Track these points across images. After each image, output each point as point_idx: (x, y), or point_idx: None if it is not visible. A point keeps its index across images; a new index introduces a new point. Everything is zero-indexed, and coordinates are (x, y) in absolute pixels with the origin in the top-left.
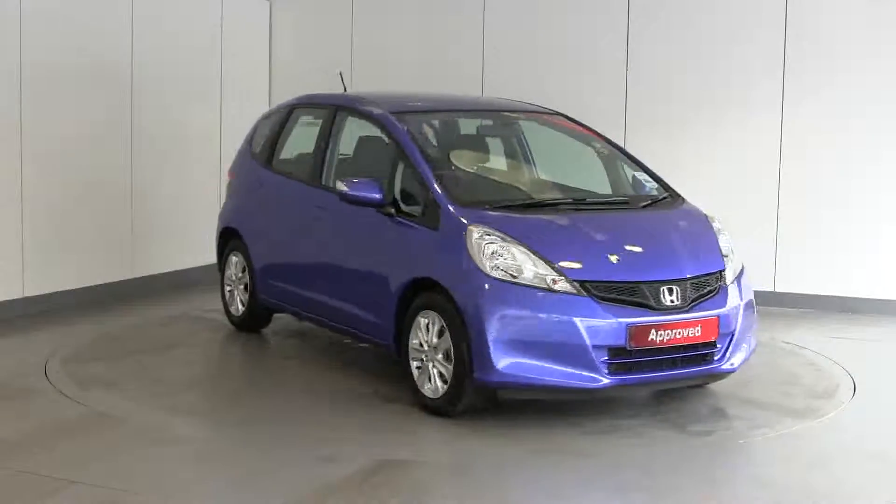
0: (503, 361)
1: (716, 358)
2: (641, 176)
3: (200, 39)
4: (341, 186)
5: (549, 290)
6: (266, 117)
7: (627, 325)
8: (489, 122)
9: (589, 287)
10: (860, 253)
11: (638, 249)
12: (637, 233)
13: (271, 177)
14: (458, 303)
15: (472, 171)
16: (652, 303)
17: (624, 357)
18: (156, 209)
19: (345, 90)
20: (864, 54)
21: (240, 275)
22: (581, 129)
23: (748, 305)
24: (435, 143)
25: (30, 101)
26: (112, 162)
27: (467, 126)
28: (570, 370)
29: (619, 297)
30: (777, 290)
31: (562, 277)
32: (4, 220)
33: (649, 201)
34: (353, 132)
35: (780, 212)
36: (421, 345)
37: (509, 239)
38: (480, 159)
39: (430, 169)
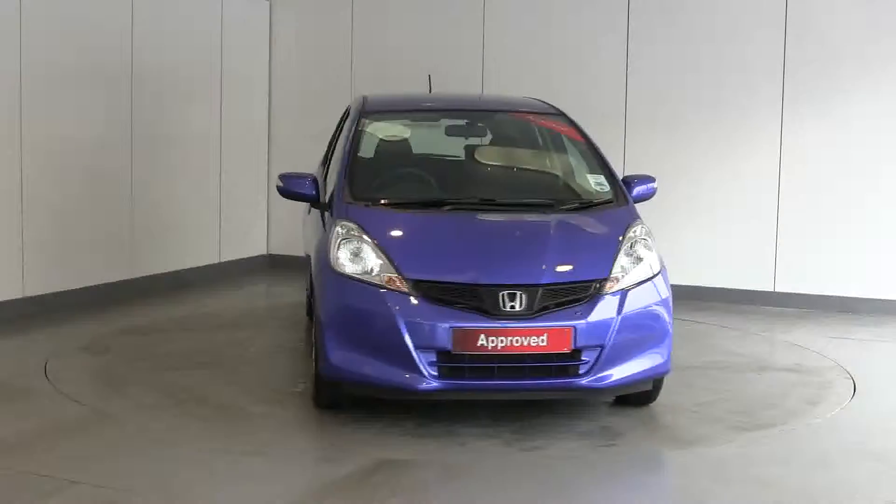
0: (336, 355)
1: (580, 372)
2: (596, 178)
3: (200, 39)
4: (277, 182)
5: (384, 287)
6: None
7: (452, 328)
8: (463, 123)
9: (423, 287)
10: (860, 253)
11: (497, 253)
12: (513, 237)
13: None
14: (315, 295)
15: (396, 168)
16: (488, 307)
17: (455, 361)
18: (156, 209)
19: (430, 91)
20: (864, 54)
21: None
22: (566, 130)
23: (641, 319)
24: (389, 141)
25: (30, 101)
26: (112, 162)
27: (440, 125)
28: (395, 369)
29: (452, 299)
30: (777, 290)
31: (398, 276)
32: (4, 220)
33: (578, 205)
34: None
35: (780, 212)
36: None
37: (365, 236)
38: (419, 158)
39: (346, 166)
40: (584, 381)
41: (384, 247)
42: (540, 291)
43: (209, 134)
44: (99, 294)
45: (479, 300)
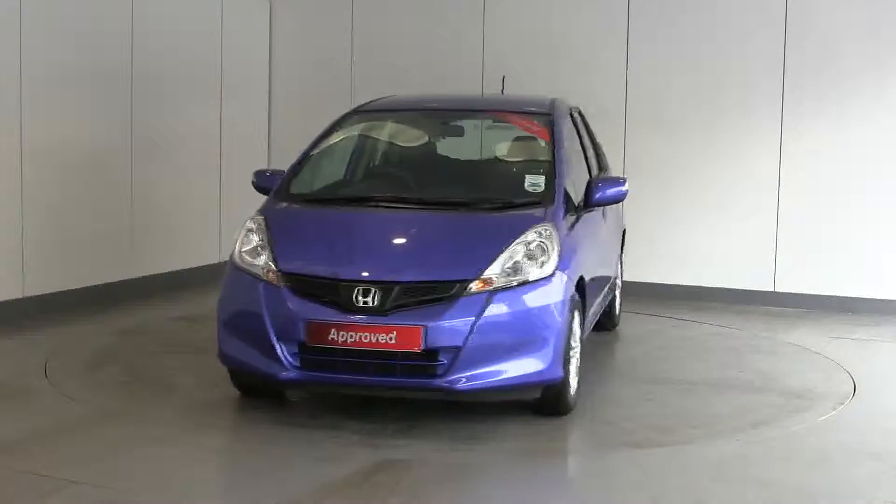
0: (226, 344)
1: (437, 373)
2: (533, 179)
3: (200, 39)
4: (252, 178)
5: (260, 279)
6: None
7: (306, 321)
8: (441, 123)
9: (293, 280)
10: (860, 253)
11: (370, 250)
12: (398, 235)
13: None
14: None
15: (346, 167)
16: (343, 302)
17: (311, 353)
18: (156, 209)
19: (502, 92)
20: (864, 54)
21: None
22: (537, 130)
23: (514, 322)
24: (359, 140)
25: (30, 101)
26: (112, 162)
27: (422, 125)
28: (264, 358)
29: (314, 292)
30: (777, 290)
31: (274, 268)
32: (4, 220)
33: (499, 205)
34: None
35: (780, 212)
36: None
37: (263, 229)
38: (375, 157)
39: (294, 163)
40: (440, 382)
41: (275, 241)
42: (396, 289)
43: (209, 134)
44: (99, 294)
45: (336, 295)
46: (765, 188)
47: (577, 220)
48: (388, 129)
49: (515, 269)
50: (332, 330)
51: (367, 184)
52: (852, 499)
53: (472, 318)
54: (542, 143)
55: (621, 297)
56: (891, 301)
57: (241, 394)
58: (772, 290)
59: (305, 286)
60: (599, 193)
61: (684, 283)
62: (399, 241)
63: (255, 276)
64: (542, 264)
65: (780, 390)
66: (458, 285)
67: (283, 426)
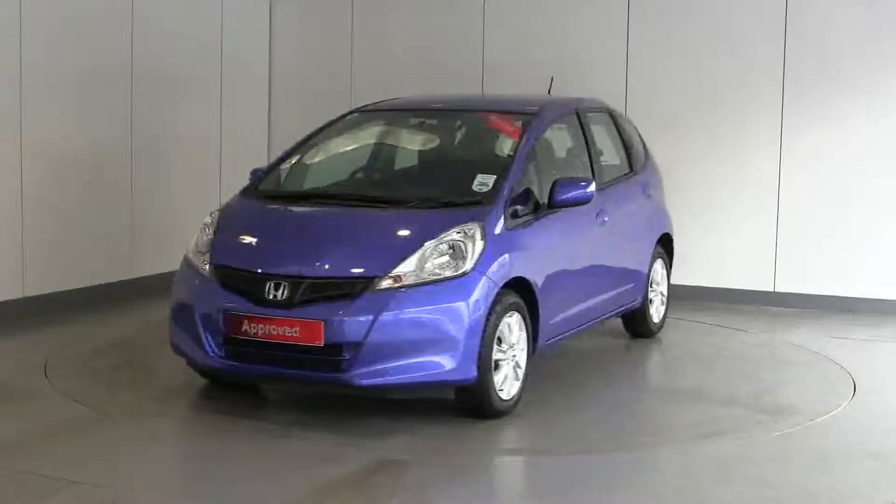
0: (174, 335)
1: (342, 367)
2: (483, 179)
3: (200, 39)
4: (249, 177)
5: (198, 272)
6: None
7: (225, 312)
8: (422, 122)
9: (221, 273)
10: (860, 253)
11: (293, 245)
12: (326, 231)
13: None
14: None
15: (322, 164)
16: (257, 295)
17: (234, 344)
18: (156, 209)
19: (549, 93)
20: (863, 54)
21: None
22: (510, 130)
23: (421, 320)
24: (347, 139)
25: (30, 101)
26: (112, 162)
27: (404, 126)
28: (195, 347)
29: (235, 284)
30: (777, 290)
31: (210, 263)
32: (4, 220)
33: (439, 204)
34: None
35: (780, 212)
36: None
37: (213, 225)
38: (342, 157)
39: (273, 162)
40: (343, 377)
41: (216, 236)
42: (305, 284)
43: (209, 134)
44: (99, 294)
45: (251, 287)
46: (765, 188)
47: (535, 221)
48: (369, 131)
49: (429, 267)
50: (246, 322)
51: (325, 182)
52: (852, 499)
53: (373, 315)
54: (510, 143)
55: (666, 305)
56: (891, 301)
57: (210, 383)
58: (772, 290)
59: (229, 279)
60: (560, 195)
61: (684, 284)
62: (320, 237)
63: (196, 270)
64: (459, 263)
65: (780, 390)
66: (363, 282)
67: (284, 427)
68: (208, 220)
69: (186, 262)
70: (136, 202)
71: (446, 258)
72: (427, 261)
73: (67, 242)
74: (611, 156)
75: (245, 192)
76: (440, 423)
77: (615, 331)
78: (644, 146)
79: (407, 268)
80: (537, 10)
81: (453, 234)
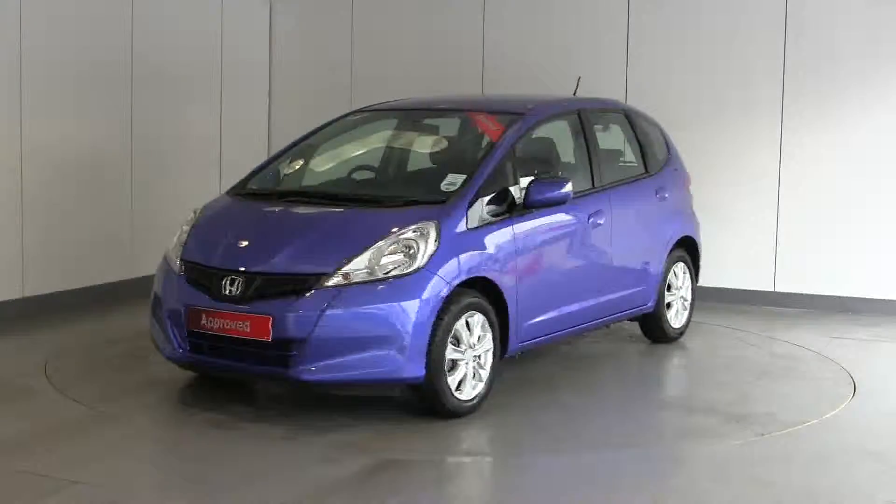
0: (152, 329)
1: (289, 363)
2: (453, 178)
3: (200, 39)
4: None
5: (171, 268)
6: None
7: (185, 307)
8: (421, 122)
9: (187, 269)
10: (860, 253)
11: (252, 242)
12: (286, 229)
13: None
14: None
15: (307, 164)
16: (214, 290)
17: (195, 338)
18: (156, 209)
19: (574, 94)
20: (864, 54)
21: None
22: (492, 131)
23: (367, 316)
24: (339, 139)
25: (30, 102)
26: (112, 162)
27: (403, 125)
28: (165, 340)
29: (199, 280)
30: (777, 290)
31: (180, 259)
32: (4, 220)
33: (402, 202)
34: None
35: (780, 212)
36: None
37: (192, 223)
38: (332, 156)
39: (263, 162)
40: (289, 372)
41: (193, 232)
42: (257, 280)
43: (209, 134)
44: (99, 294)
45: (209, 283)
46: (765, 188)
47: (510, 220)
48: (359, 132)
49: (379, 264)
50: (204, 316)
51: (306, 182)
52: (852, 499)
53: (319, 311)
54: (488, 143)
55: (690, 310)
56: (891, 301)
57: (210, 383)
58: (772, 290)
59: (193, 274)
60: (535, 195)
61: None
62: (278, 234)
63: (170, 266)
64: (410, 261)
65: (780, 390)
66: (313, 278)
67: (284, 427)
68: (189, 217)
69: (164, 259)
70: (136, 202)
71: (400, 256)
72: (380, 258)
73: (67, 242)
74: (622, 157)
75: (229, 191)
76: (441, 422)
77: (635, 335)
78: (668, 148)
79: (358, 265)
80: (537, 10)
81: (409, 233)
